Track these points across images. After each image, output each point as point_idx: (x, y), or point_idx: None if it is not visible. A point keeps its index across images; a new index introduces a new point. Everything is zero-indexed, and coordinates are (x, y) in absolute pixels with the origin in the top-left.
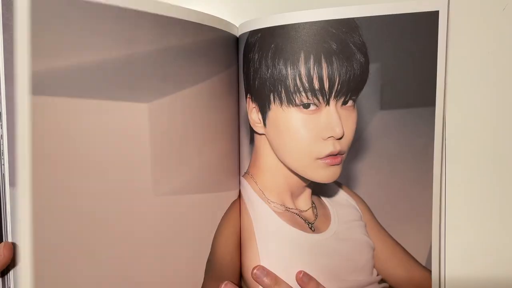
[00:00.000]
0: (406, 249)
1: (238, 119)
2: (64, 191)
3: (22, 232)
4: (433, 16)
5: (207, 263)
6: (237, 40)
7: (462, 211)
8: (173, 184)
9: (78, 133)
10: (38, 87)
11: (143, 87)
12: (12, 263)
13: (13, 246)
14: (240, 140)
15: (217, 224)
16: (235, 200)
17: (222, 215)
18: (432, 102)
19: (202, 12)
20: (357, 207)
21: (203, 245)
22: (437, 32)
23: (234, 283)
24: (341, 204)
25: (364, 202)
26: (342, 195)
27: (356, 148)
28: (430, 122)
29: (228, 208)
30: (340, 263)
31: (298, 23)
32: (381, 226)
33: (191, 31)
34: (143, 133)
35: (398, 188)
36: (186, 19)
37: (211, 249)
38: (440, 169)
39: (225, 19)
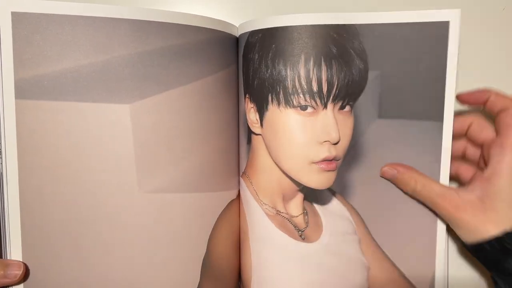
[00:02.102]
0: (405, 275)
1: (238, 119)
2: (49, 189)
3: (11, 229)
4: (442, 27)
5: (202, 263)
6: (237, 40)
7: None
8: (161, 183)
9: (61, 132)
10: (22, 92)
11: (123, 89)
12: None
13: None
14: (239, 140)
15: (213, 224)
16: (233, 200)
17: (219, 215)
18: (439, 117)
19: (190, 14)
20: (351, 219)
21: (198, 245)
22: (447, 43)
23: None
24: (334, 213)
25: (359, 215)
26: (336, 204)
27: (351, 156)
28: (436, 138)
29: (225, 207)
30: (330, 279)
31: (300, 25)
32: (377, 244)
33: (176, 33)
34: (126, 132)
35: (396, 204)
36: (170, 22)
37: (206, 249)
38: None
39: (225, 19)
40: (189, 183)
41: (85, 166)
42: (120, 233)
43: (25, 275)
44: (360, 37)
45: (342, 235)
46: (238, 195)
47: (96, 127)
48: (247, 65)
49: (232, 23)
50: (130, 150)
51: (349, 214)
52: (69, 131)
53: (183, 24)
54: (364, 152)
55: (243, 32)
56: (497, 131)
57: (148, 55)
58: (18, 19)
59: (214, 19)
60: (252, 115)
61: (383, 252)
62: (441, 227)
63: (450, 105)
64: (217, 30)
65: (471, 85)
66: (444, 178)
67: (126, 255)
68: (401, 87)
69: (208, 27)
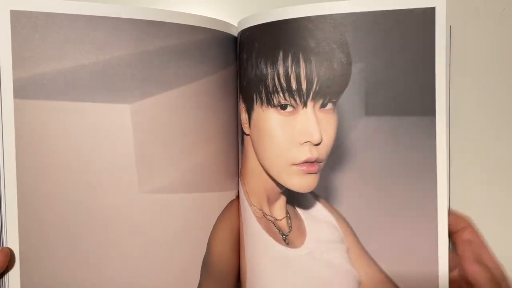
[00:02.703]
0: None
1: (238, 119)
2: (47, 189)
3: (9, 229)
4: (428, 14)
5: (202, 263)
6: (236, 39)
7: None
8: (161, 183)
9: (60, 132)
10: (20, 91)
11: (123, 89)
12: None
13: (10, 252)
14: (239, 140)
15: (213, 224)
16: (233, 200)
17: (218, 215)
18: (430, 111)
19: (189, 13)
20: (338, 226)
21: (198, 245)
22: (434, 31)
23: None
24: (318, 219)
25: (346, 222)
26: (320, 210)
27: (336, 157)
28: (429, 134)
29: (225, 208)
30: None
31: (278, 21)
32: (368, 255)
33: (176, 33)
34: (126, 132)
35: (390, 211)
36: (170, 22)
37: (206, 249)
38: (447, 192)
39: (225, 19)
40: (189, 183)
41: (85, 166)
42: (119, 233)
43: (9, 262)
44: (342, 27)
45: (327, 243)
46: (238, 196)
47: (96, 127)
48: (240, 65)
49: (232, 23)
50: (130, 150)
51: (335, 221)
52: (69, 131)
53: (183, 24)
54: (351, 154)
55: (238, 31)
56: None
57: (149, 55)
58: (17, 17)
59: (213, 18)
60: (243, 116)
61: (375, 262)
62: (442, 233)
63: (442, 97)
64: (217, 30)
65: (471, 85)
66: (441, 175)
67: (126, 255)
68: (388, 80)
69: (208, 27)
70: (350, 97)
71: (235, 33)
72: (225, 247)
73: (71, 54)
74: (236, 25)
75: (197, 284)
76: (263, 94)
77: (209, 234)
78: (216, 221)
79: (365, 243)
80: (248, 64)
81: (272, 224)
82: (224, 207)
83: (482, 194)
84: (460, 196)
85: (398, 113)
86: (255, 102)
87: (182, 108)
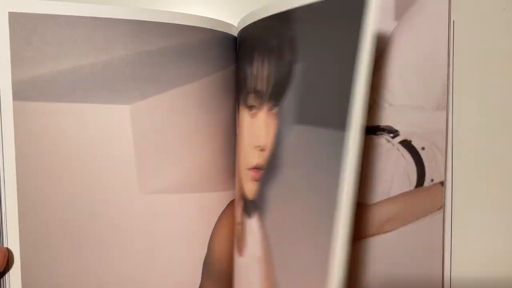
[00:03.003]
0: None
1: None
2: (48, 191)
3: (9, 232)
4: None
5: (204, 263)
6: (236, 39)
7: None
8: (162, 183)
9: (60, 134)
10: (19, 93)
11: (123, 90)
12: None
13: (8, 252)
14: None
15: (214, 224)
16: (233, 200)
17: (219, 215)
18: (341, 124)
19: (189, 14)
20: (261, 243)
21: (200, 245)
22: (360, 23)
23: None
24: (252, 231)
25: (268, 240)
26: (254, 222)
27: (269, 167)
28: (337, 153)
29: (226, 207)
30: None
31: (258, 21)
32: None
33: (176, 33)
34: (126, 133)
35: (298, 231)
36: (169, 22)
37: (208, 249)
38: (348, 222)
39: (225, 18)
40: (189, 183)
41: (84, 168)
42: (120, 235)
43: (8, 262)
44: (295, 23)
45: (255, 261)
46: None
47: (96, 128)
48: (236, 66)
49: (232, 23)
50: (131, 151)
51: (260, 236)
52: (69, 133)
53: (182, 24)
54: (279, 164)
55: (238, 31)
56: None
57: (148, 56)
58: (16, 19)
59: (213, 19)
60: (236, 115)
61: None
62: (336, 273)
63: (358, 109)
64: (217, 30)
65: (470, 86)
66: (345, 204)
67: (126, 256)
68: (319, 83)
69: (208, 27)
70: (288, 102)
71: (235, 33)
72: (226, 247)
73: (70, 56)
74: (236, 25)
75: (198, 284)
76: (243, 94)
77: (210, 234)
78: (217, 221)
79: (277, 261)
80: (239, 64)
81: (236, 227)
82: (225, 207)
83: (482, 195)
84: (461, 196)
85: (317, 124)
86: (240, 102)
87: (182, 108)
